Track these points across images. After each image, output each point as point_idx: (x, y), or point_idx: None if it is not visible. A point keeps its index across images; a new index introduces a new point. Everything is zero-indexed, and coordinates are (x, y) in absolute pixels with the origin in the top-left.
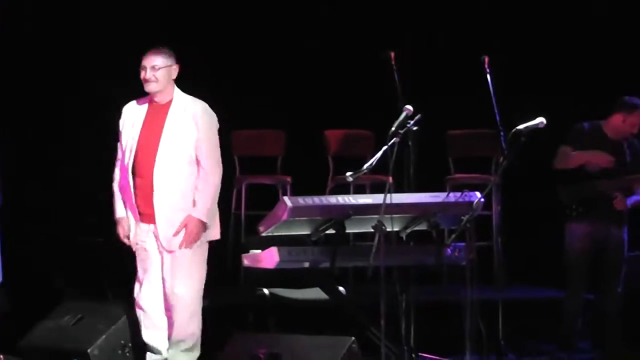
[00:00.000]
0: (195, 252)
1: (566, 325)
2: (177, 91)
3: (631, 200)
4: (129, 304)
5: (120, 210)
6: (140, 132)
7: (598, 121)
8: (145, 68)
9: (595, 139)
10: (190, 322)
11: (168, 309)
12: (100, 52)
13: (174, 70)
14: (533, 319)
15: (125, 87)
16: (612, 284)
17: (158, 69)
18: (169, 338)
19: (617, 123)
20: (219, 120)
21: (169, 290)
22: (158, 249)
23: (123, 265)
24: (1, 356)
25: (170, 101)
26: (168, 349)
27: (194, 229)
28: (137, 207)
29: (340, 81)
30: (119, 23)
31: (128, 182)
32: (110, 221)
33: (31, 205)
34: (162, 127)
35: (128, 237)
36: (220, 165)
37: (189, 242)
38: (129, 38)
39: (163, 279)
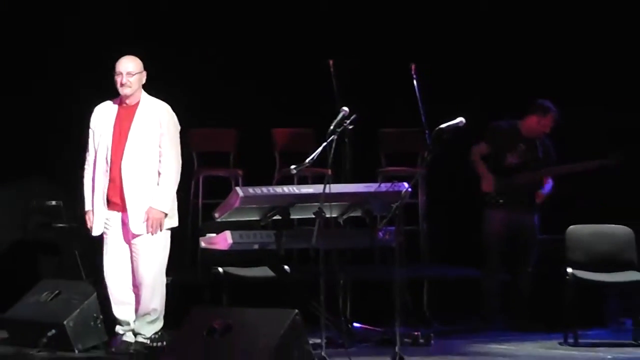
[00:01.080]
0: (156, 238)
1: (486, 301)
2: (144, 94)
3: (545, 190)
4: (100, 283)
5: (89, 203)
6: (113, 130)
7: (515, 120)
8: (121, 74)
9: (511, 136)
10: (154, 298)
11: (135, 286)
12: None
13: (143, 76)
14: (454, 294)
15: None
16: (524, 264)
17: (132, 75)
18: (136, 312)
19: (532, 124)
20: (180, 120)
21: (135, 271)
22: (124, 234)
23: (94, 248)
24: None
25: (138, 103)
26: (135, 321)
27: (156, 219)
28: (108, 197)
29: (285, 85)
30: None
31: (104, 174)
32: (82, 209)
33: None
34: (130, 125)
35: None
36: (180, 161)
37: (153, 230)
38: (86, 39)
39: (131, 260)
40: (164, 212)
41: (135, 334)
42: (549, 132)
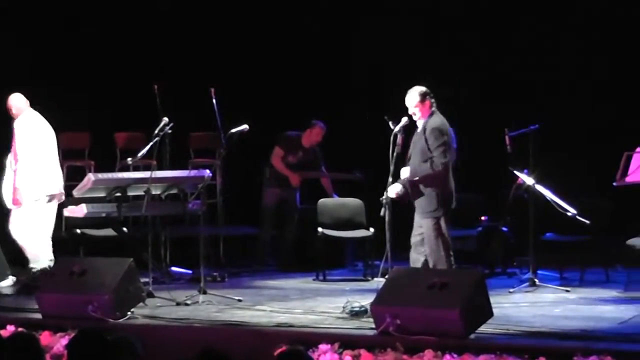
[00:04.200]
0: (25, 210)
1: (260, 248)
2: (27, 113)
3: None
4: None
5: None
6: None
7: (299, 132)
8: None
9: (295, 144)
10: (33, 249)
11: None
12: None
13: (19, 109)
14: (241, 246)
15: None
16: (289, 224)
17: (11, 109)
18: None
19: (308, 136)
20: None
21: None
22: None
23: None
24: None
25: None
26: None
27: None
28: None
29: (124, 101)
30: None
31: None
32: None
33: None
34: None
35: None
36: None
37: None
38: None
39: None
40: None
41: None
42: (320, 140)
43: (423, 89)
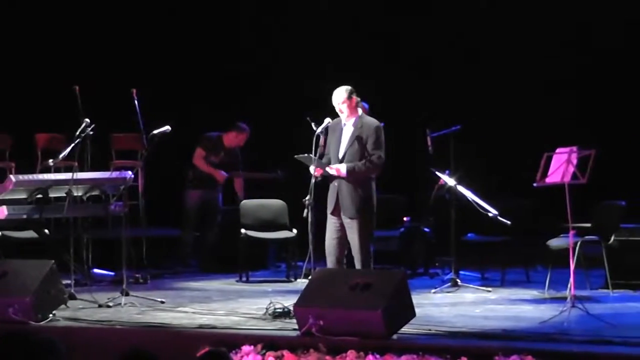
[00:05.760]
0: None
1: (182, 250)
2: None
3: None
4: None
5: None
6: None
7: (221, 133)
8: None
9: (217, 144)
10: None
11: None
12: None
13: None
14: (163, 247)
15: None
16: (211, 226)
17: None
18: None
19: (232, 138)
20: None
21: None
22: None
23: None
24: None
25: None
26: None
27: None
28: None
29: (46, 103)
30: None
31: None
32: None
33: None
34: None
35: None
36: None
37: None
38: None
39: None
40: None
41: None
42: (242, 145)
43: (349, 87)
